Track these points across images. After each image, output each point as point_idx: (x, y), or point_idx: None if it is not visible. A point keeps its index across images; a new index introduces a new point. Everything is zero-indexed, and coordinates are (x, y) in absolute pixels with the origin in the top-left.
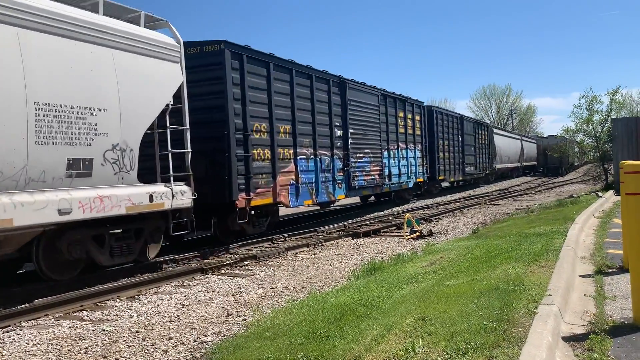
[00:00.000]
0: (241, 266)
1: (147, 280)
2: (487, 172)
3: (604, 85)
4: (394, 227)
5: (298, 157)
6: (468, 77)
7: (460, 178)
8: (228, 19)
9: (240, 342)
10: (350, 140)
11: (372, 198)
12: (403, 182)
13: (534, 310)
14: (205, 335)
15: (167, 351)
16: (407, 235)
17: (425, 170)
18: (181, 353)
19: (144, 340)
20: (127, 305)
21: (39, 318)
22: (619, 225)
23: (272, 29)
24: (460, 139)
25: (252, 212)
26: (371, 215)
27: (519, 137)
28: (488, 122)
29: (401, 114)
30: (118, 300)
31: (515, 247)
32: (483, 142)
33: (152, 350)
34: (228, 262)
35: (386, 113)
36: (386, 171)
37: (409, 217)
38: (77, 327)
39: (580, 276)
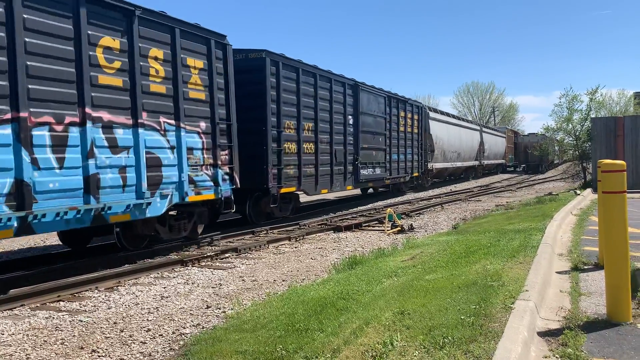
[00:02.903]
0: (222, 258)
1: (126, 271)
2: (418, 174)
3: (585, 85)
4: (376, 222)
5: None
6: (452, 74)
7: (350, 187)
8: None
9: (219, 335)
10: None
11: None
12: (126, 206)
13: (510, 305)
14: (184, 327)
15: (145, 343)
16: (388, 230)
17: (225, 177)
18: (159, 345)
19: (122, 331)
20: (106, 296)
21: (15, 308)
22: (596, 222)
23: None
24: (350, 122)
25: None
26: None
27: (478, 127)
28: (424, 105)
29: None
30: (96, 291)
31: (494, 243)
32: (408, 130)
33: (129, 341)
34: (208, 254)
35: (75, 37)
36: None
37: (390, 212)
38: (53, 317)
39: (557, 272)
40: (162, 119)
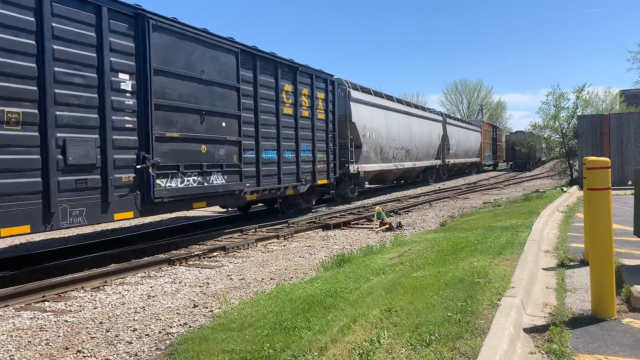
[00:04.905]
0: (209, 257)
1: (112, 270)
2: (327, 180)
3: (572, 83)
4: (364, 220)
5: None
6: (440, 72)
7: (127, 214)
8: None
9: (206, 334)
10: None
11: None
12: None
13: (497, 302)
14: (171, 327)
15: (131, 342)
16: (376, 228)
17: None
18: (145, 344)
19: (108, 331)
20: (92, 296)
21: None
22: (582, 219)
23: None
24: (125, 87)
25: None
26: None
27: (440, 117)
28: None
29: None
30: (82, 290)
31: (481, 240)
32: (304, 113)
33: (115, 341)
34: (196, 253)
35: None
36: None
37: (379, 210)
38: (38, 318)
39: (543, 269)
40: None
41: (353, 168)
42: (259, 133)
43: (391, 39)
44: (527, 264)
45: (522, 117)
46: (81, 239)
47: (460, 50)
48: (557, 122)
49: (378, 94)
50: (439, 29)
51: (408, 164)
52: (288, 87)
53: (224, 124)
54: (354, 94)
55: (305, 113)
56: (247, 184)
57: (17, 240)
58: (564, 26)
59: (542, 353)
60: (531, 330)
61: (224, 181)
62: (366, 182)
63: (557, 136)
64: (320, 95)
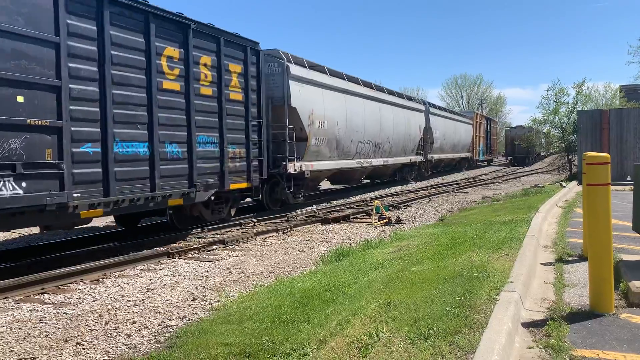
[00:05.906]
0: (209, 250)
1: (111, 263)
2: (249, 184)
3: (572, 78)
4: (363, 214)
5: None
6: (440, 66)
7: None
8: None
9: (206, 327)
10: None
11: None
12: None
13: (495, 297)
14: (170, 320)
15: (130, 335)
16: (375, 222)
17: None
18: (145, 337)
19: (107, 324)
20: (91, 288)
21: None
22: (580, 214)
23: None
24: None
25: None
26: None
27: (422, 106)
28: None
29: None
30: (81, 283)
31: (480, 234)
32: (205, 91)
33: (115, 334)
34: (195, 246)
35: None
36: None
37: (377, 204)
38: (37, 310)
39: (542, 264)
40: None
41: (294, 166)
42: (110, 115)
43: (392, 35)
44: (525, 259)
45: (521, 111)
46: (80, 232)
47: (460, 45)
48: (556, 117)
49: (336, 74)
50: (439, 26)
51: (378, 161)
52: (172, 51)
53: (20, 99)
54: (295, 70)
55: (207, 91)
56: (76, 193)
57: (16, 233)
58: (565, 21)
59: (540, 348)
60: (529, 325)
61: (19, 190)
62: (321, 183)
63: (557, 131)
64: (235, 67)
